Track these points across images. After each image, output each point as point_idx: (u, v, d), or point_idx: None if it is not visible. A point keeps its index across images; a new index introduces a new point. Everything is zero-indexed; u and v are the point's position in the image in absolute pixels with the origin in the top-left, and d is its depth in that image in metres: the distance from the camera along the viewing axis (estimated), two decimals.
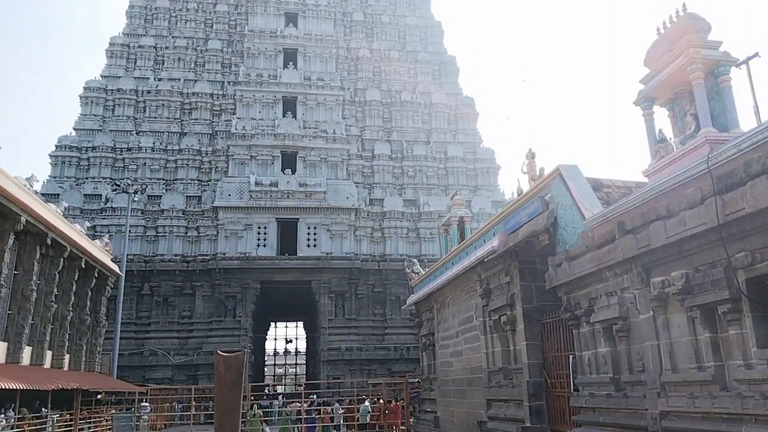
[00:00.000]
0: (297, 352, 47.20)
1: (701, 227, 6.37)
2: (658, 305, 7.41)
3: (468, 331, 14.79)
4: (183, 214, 31.35)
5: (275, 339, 45.88)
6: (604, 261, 8.37)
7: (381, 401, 21.40)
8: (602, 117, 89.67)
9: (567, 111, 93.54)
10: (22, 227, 15.43)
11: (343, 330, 30.75)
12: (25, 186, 16.05)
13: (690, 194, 6.71)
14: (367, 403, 22.12)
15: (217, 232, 30.85)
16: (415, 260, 23.25)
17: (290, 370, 50.90)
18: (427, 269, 20.20)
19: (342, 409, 22.22)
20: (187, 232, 31.12)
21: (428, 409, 18.56)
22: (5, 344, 16.02)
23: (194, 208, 31.66)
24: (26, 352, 16.98)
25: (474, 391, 14.07)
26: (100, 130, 33.17)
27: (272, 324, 44.05)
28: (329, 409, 22.11)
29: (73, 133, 33.07)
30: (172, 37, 36.49)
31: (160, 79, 35.04)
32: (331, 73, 35.75)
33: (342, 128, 34.21)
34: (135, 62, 35.71)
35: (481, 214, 32.11)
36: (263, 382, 39.30)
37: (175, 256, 30.52)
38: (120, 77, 34.76)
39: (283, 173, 32.38)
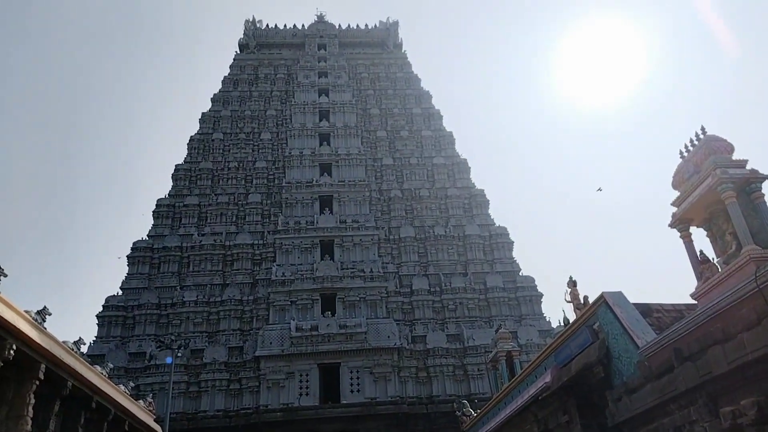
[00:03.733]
0: None
1: (763, 350, 6.02)
2: None
3: None
4: (225, 366, 31.10)
5: None
6: (665, 393, 7.86)
7: None
8: (637, 239, 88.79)
9: (600, 235, 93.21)
10: (68, 392, 15.47)
11: None
12: (73, 350, 16.34)
13: (745, 315, 6.44)
14: None
15: (259, 383, 30.27)
16: (465, 401, 22.21)
17: None
18: (478, 411, 19.17)
19: None
20: (229, 385, 30.63)
21: None
22: None
23: (236, 359, 31.45)
24: None
25: None
26: (146, 288, 34.25)
27: None
28: None
29: (120, 292, 34.20)
30: (215, 195, 38.80)
31: (203, 234, 36.71)
32: (365, 215, 36.98)
33: (379, 266, 34.60)
34: (180, 220, 37.74)
35: (529, 345, 30.99)
36: None
37: (218, 411, 29.80)
38: (165, 236, 36.58)
39: (323, 316, 32.35)
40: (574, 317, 12.09)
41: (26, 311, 13.37)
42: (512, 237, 38.06)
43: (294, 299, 33.01)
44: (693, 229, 8.86)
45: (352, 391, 30.14)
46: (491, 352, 20.62)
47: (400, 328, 32.71)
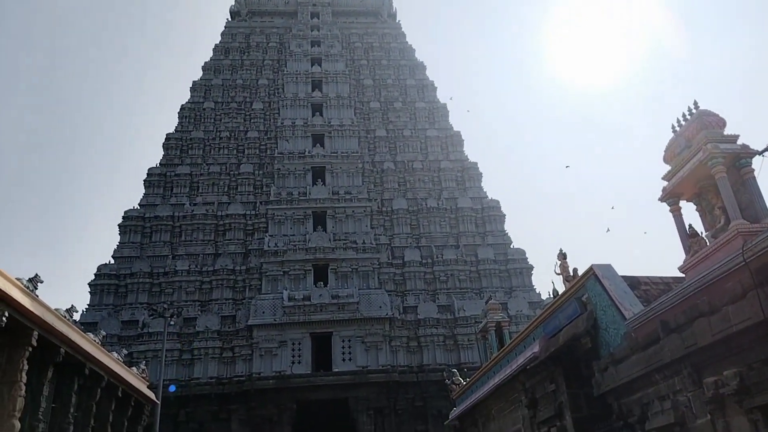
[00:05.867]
0: None
1: (747, 322, 6.14)
2: (715, 408, 6.98)
3: None
4: (218, 335, 31.36)
5: None
6: (651, 363, 8.03)
7: None
8: (627, 212, 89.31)
9: (589, 209, 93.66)
10: (61, 359, 15.60)
11: None
12: (65, 317, 16.42)
13: (730, 288, 6.55)
14: None
15: (252, 352, 30.58)
16: (454, 370, 22.55)
17: None
18: (468, 379, 19.50)
19: None
20: (222, 353, 30.94)
21: None
22: None
23: (229, 328, 31.70)
24: None
25: None
26: (138, 257, 34.26)
27: None
28: None
29: (112, 261, 34.19)
30: (206, 164, 38.54)
31: (195, 204, 36.58)
32: (358, 187, 36.93)
33: (371, 238, 34.71)
34: (171, 190, 37.55)
35: (519, 316, 31.38)
36: None
37: (211, 379, 30.16)
38: (157, 205, 36.43)
39: (316, 286, 32.56)
40: (564, 289, 12.24)
41: (18, 279, 13.39)
42: (504, 210, 38.22)
43: (286, 269, 33.15)
44: (683, 204, 8.94)
45: (343, 360, 30.54)
46: (481, 322, 20.89)
47: (392, 298, 33.01)
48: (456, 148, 41.14)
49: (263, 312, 31.19)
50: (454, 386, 20.36)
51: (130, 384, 20.80)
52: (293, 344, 30.73)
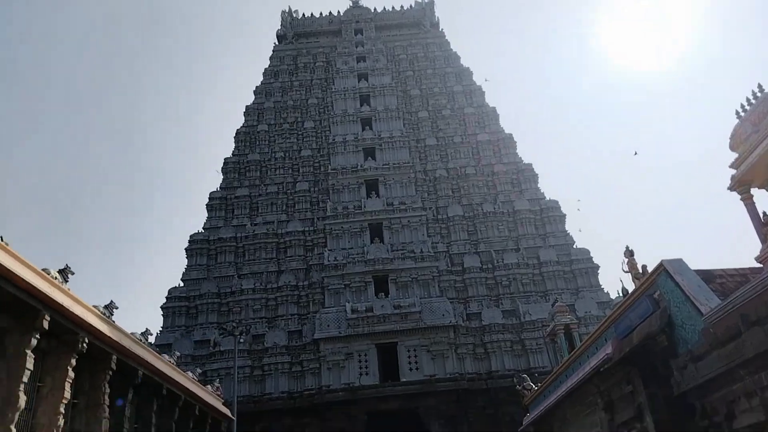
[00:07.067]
0: None
1: None
2: None
3: None
4: (286, 350, 31.99)
5: None
6: (733, 359, 7.64)
7: None
8: (696, 204, 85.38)
9: (656, 202, 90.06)
10: (139, 381, 16.28)
11: None
12: (141, 340, 17.15)
13: None
14: None
15: (320, 365, 31.00)
16: (525, 375, 22.10)
17: None
18: (539, 384, 19.08)
19: None
20: (291, 368, 31.51)
21: None
22: None
23: (296, 342, 32.29)
24: None
25: None
26: (205, 279, 35.44)
27: None
28: None
29: (181, 284, 35.53)
30: (264, 185, 39.59)
31: (256, 224, 37.59)
32: (412, 196, 36.99)
33: (428, 246, 34.63)
34: (233, 212, 38.75)
35: (588, 317, 30.51)
36: None
37: (282, 393, 30.73)
38: (220, 227, 37.66)
39: (377, 297, 32.73)
40: (633, 287, 11.84)
41: (95, 306, 14.11)
42: (564, 210, 37.36)
43: (347, 282, 33.49)
44: (754, 191, 8.50)
45: (410, 369, 30.48)
46: (549, 325, 20.43)
47: (455, 306, 32.76)
48: (509, 150, 40.60)
49: (328, 325, 31.59)
50: (525, 392, 19.96)
51: (206, 402, 21.45)
52: (359, 356, 30.94)
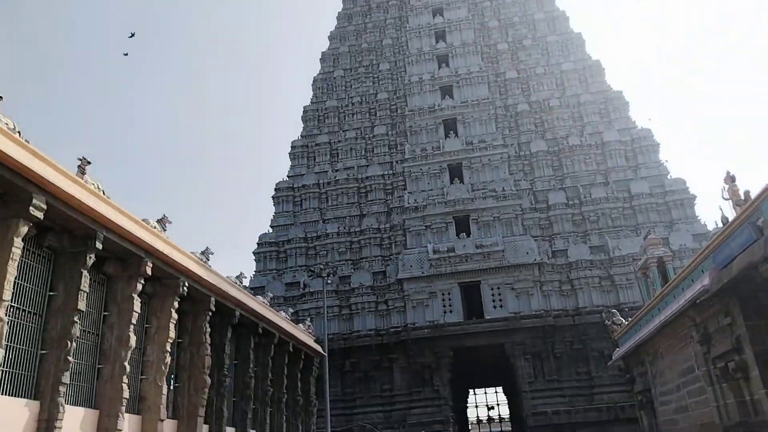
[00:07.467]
0: (501, 419, 45.35)
1: None
2: None
3: (690, 383, 13.10)
4: (371, 290, 32.94)
5: (476, 406, 44.74)
6: None
7: None
8: None
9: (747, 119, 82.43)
10: (237, 320, 17.38)
11: (546, 393, 29.06)
12: (236, 283, 18.17)
13: None
14: None
15: (405, 304, 31.73)
16: (614, 310, 21.54)
17: None
18: (629, 319, 18.54)
19: None
20: (377, 307, 32.51)
21: None
22: (233, 429, 17.71)
23: (381, 283, 33.14)
24: None
25: None
26: (292, 224, 36.77)
27: (470, 391, 43.21)
28: None
29: (270, 230, 37.08)
30: (343, 131, 39.90)
31: (336, 170, 38.21)
32: (492, 134, 35.99)
33: (510, 184, 33.87)
34: (314, 159, 39.51)
35: (683, 250, 29.02)
36: None
37: (369, 331, 31.88)
38: (303, 174, 38.60)
39: (459, 238, 32.66)
40: (734, 215, 11.02)
41: (192, 252, 15.01)
42: (658, 138, 35.12)
43: (428, 224, 33.60)
44: None
45: (494, 307, 30.56)
46: (640, 260, 19.62)
47: (539, 243, 32.16)
48: (596, 78, 38.32)
49: (411, 266, 32.06)
50: (615, 327, 19.49)
51: (299, 339, 22.63)
52: (443, 294, 31.32)
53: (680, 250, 29.11)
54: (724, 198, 11.90)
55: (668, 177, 33.77)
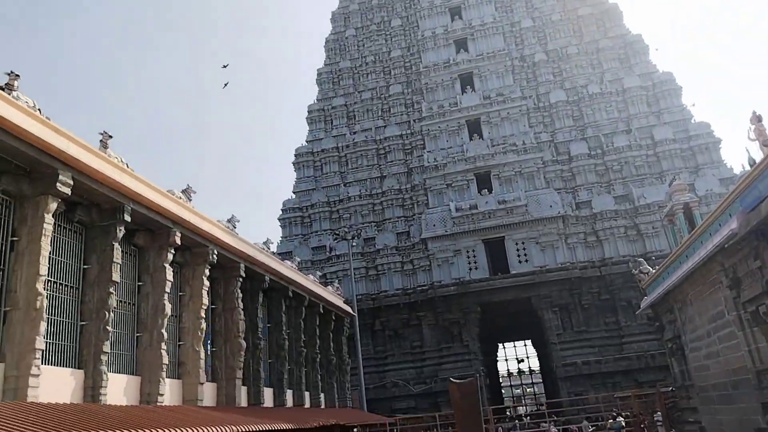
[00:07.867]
0: (531, 371, 46.01)
1: None
2: None
3: (721, 328, 13.09)
4: (396, 250, 33.18)
5: (506, 360, 45.39)
6: None
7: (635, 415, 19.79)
8: None
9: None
10: (267, 285, 17.75)
11: (575, 344, 29.29)
12: (264, 249, 18.48)
13: None
14: (620, 418, 20.63)
15: (430, 263, 31.94)
16: (641, 260, 21.43)
17: (527, 390, 49.73)
18: (657, 267, 18.45)
19: (591, 426, 21.00)
20: (403, 267, 32.80)
21: (690, 419, 16.67)
22: (271, 390, 18.31)
23: (405, 243, 33.34)
24: (288, 395, 19.18)
25: (742, 395, 12.31)
26: (315, 189, 36.92)
27: (500, 345, 43.75)
28: (575, 428, 21.08)
29: (293, 195, 37.32)
30: (358, 92, 39.50)
31: (354, 133, 38.02)
32: (510, 86, 35.33)
33: (531, 137, 33.41)
34: (331, 122, 39.32)
35: (709, 196, 28.55)
36: (502, 404, 38.97)
37: (397, 290, 32.27)
38: (322, 139, 38.51)
39: (480, 194, 32.52)
40: (761, 156, 10.77)
41: (218, 221, 15.25)
42: (680, 82, 34.14)
43: (449, 182, 33.46)
44: None
45: (520, 262, 30.60)
46: (666, 207, 19.38)
47: (562, 196, 31.89)
48: (615, 22, 37.14)
49: (434, 225, 32.12)
50: (642, 275, 19.41)
51: (329, 300, 23.06)
52: (467, 252, 31.42)
53: (706, 195, 28.64)
54: (750, 139, 11.61)
55: (692, 121, 32.99)
